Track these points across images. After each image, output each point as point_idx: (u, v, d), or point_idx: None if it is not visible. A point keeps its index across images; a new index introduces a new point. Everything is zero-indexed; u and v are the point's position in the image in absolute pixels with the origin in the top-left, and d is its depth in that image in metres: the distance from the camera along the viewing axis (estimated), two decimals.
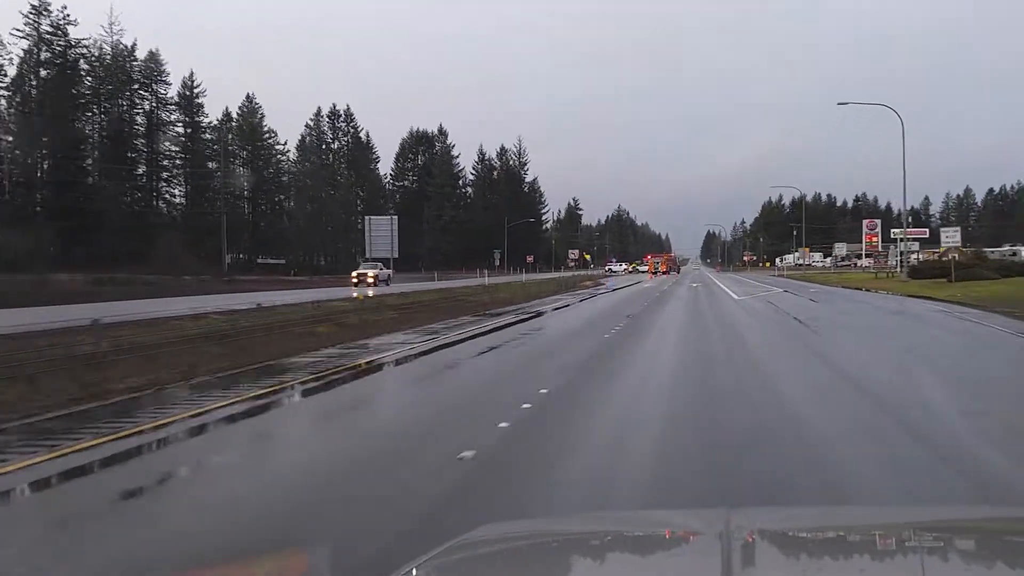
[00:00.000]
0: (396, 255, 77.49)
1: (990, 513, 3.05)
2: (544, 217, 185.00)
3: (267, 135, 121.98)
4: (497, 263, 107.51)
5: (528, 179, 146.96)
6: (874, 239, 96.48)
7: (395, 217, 72.58)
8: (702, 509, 2.79)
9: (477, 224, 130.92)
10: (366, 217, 77.28)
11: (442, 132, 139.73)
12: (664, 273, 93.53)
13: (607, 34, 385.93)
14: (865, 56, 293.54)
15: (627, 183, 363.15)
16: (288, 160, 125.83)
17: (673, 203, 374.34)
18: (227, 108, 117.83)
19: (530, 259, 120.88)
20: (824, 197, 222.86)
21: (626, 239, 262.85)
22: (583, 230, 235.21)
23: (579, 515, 4.22)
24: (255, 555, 4.04)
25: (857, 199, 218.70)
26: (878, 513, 2.99)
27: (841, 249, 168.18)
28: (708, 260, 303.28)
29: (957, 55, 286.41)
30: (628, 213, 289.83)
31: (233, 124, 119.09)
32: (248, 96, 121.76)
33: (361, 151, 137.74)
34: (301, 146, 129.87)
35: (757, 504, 4.99)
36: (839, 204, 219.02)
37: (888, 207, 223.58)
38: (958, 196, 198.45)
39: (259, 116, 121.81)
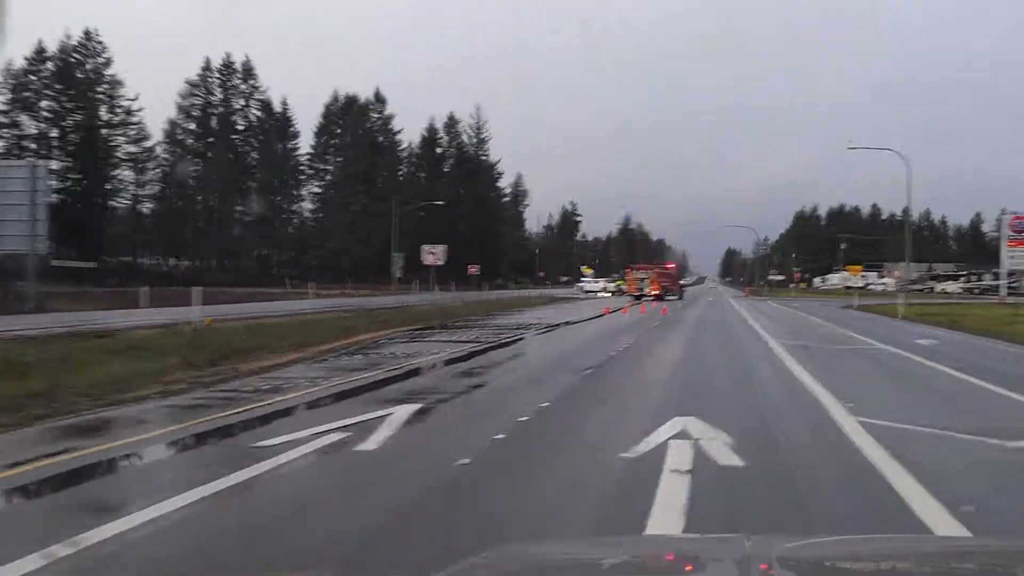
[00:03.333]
0: (46, 249, 34.54)
1: (1017, 546, 2.61)
2: (522, 214, 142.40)
3: (108, 85, 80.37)
4: (399, 275, 64.71)
5: (491, 161, 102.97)
6: None
7: (39, 165, 30.26)
8: (721, 535, 2.63)
9: (406, 218, 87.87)
10: None
11: (379, 98, 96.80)
12: (656, 297, 50.54)
13: (626, 46, 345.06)
14: (903, 70, 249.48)
15: (643, 198, 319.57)
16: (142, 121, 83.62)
17: (693, 219, 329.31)
18: (40, 42, 75.94)
19: (473, 270, 78.02)
20: (868, 207, 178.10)
21: (635, 252, 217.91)
22: (589, 242, 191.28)
23: (592, 539, 3.76)
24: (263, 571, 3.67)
25: (904, 212, 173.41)
26: (900, 543, 2.56)
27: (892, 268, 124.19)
28: (728, 279, 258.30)
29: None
30: (642, 226, 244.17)
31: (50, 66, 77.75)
32: (87, 33, 79.74)
33: (270, 121, 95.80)
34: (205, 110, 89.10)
35: (776, 532, 4.01)
36: (884, 217, 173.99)
37: (944, 220, 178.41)
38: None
39: (102, 60, 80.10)
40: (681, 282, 57.23)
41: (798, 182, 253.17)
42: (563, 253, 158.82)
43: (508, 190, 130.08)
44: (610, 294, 62.51)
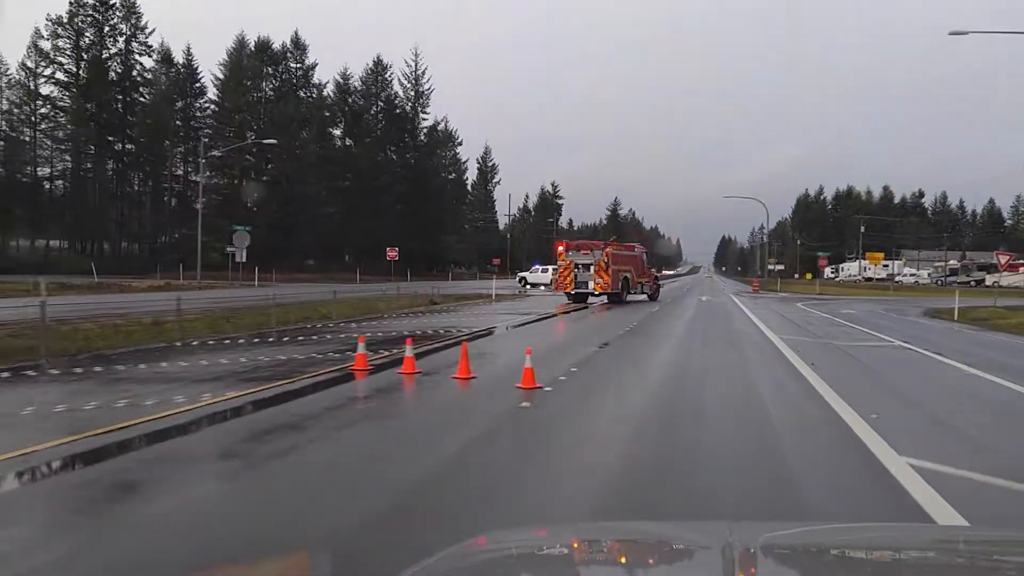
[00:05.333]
0: None
1: (1002, 535, 2.51)
2: (491, 192, 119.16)
3: None
4: (241, 259, 42.03)
5: (433, 121, 79.40)
6: None
7: None
8: (705, 522, 2.41)
9: (304, 190, 65.05)
10: None
11: (298, 45, 73.67)
12: (611, 298, 28.40)
13: (627, 35, 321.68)
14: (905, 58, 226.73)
15: (638, 188, 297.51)
16: None
17: (688, 208, 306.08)
18: None
19: (393, 254, 55.75)
20: (878, 191, 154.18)
21: (625, 240, 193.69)
22: (575, 230, 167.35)
23: (578, 524, 3.57)
24: (255, 558, 3.34)
25: (918, 194, 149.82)
26: (887, 532, 2.36)
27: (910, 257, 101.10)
28: (723, 268, 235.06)
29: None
30: (634, 212, 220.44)
31: None
32: None
33: (166, 72, 73.01)
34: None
35: (761, 519, 3.99)
36: (897, 201, 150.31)
37: (961, 205, 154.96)
38: None
39: None
40: (654, 270, 32.81)
41: (799, 168, 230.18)
42: (543, 239, 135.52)
43: (468, 163, 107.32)
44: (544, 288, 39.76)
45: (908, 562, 1.78)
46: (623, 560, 1.84)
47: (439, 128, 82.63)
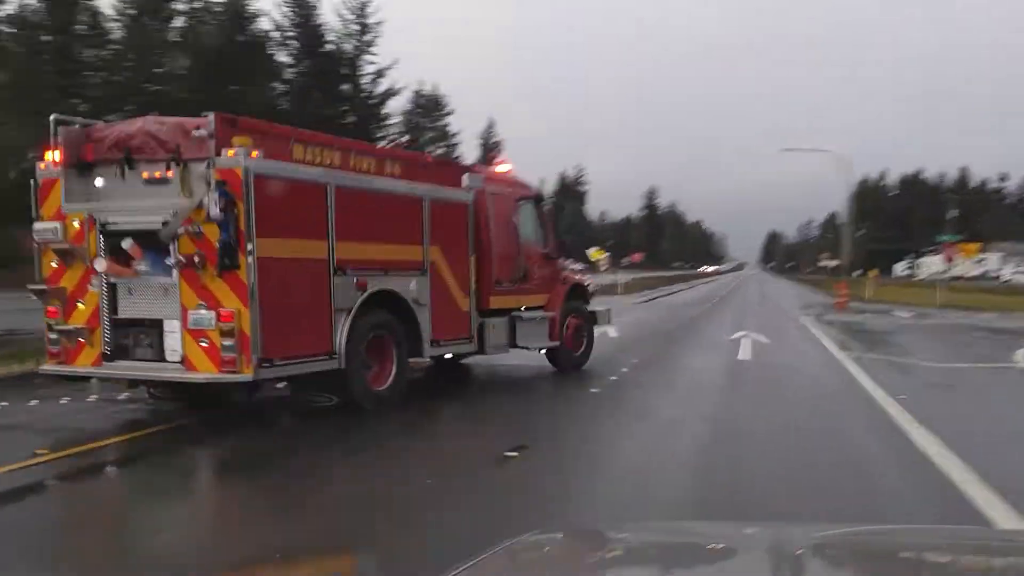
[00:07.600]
0: None
1: None
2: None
3: None
4: None
5: (382, 66, 57.16)
6: None
7: None
8: (753, 522, 2.42)
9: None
10: None
11: None
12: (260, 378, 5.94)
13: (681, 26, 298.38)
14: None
15: (681, 183, 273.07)
16: None
17: (735, 203, 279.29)
18: None
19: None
20: (953, 173, 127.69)
21: (662, 234, 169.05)
22: (605, 224, 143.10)
23: (623, 524, 3.28)
24: (299, 559, 3.31)
25: (1001, 177, 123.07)
26: (941, 534, 2.26)
27: None
28: (771, 264, 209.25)
29: None
30: (675, 204, 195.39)
31: None
32: None
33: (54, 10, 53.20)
34: None
35: (811, 520, 3.83)
36: (974, 184, 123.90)
37: None
38: None
39: None
40: (572, 267, 10.56)
41: (859, 155, 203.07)
42: (563, 230, 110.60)
43: (459, 133, 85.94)
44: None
45: (964, 566, 1.63)
46: (667, 561, 1.74)
47: (381, 69, 60.77)
